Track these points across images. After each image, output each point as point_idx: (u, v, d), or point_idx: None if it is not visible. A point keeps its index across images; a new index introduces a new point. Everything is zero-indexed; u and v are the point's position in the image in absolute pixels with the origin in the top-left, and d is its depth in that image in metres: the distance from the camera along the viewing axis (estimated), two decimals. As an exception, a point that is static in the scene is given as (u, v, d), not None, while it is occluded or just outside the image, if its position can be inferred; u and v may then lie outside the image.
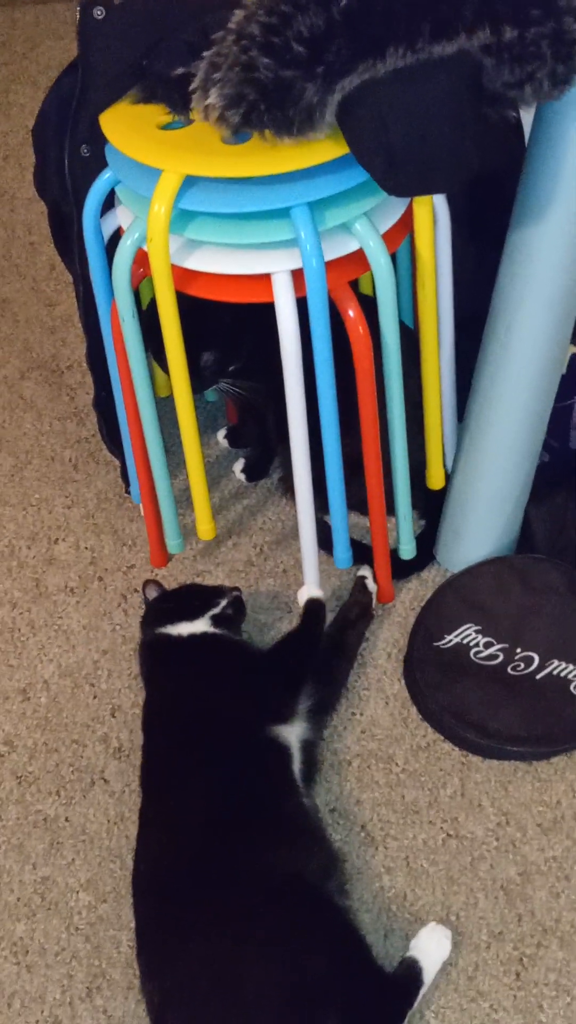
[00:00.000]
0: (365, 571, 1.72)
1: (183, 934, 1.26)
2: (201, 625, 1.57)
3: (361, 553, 1.74)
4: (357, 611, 1.69)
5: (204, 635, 1.56)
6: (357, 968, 1.27)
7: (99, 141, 1.50)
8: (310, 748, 1.51)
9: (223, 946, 1.24)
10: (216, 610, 1.59)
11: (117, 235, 1.55)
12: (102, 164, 1.51)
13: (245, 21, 1.29)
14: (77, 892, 1.46)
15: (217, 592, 1.63)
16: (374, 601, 1.71)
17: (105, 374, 1.72)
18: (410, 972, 1.31)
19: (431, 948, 1.34)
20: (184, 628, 1.57)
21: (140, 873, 1.36)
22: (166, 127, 1.43)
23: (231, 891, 1.27)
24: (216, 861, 1.30)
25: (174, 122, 1.44)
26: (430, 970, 1.32)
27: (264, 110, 1.31)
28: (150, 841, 1.38)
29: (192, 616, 1.58)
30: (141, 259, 1.48)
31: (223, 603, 1.60)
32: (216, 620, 1.58)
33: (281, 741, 1.45)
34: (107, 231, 1.57)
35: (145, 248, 1.43)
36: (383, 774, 1.55)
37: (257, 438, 1.96)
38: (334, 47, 1.26)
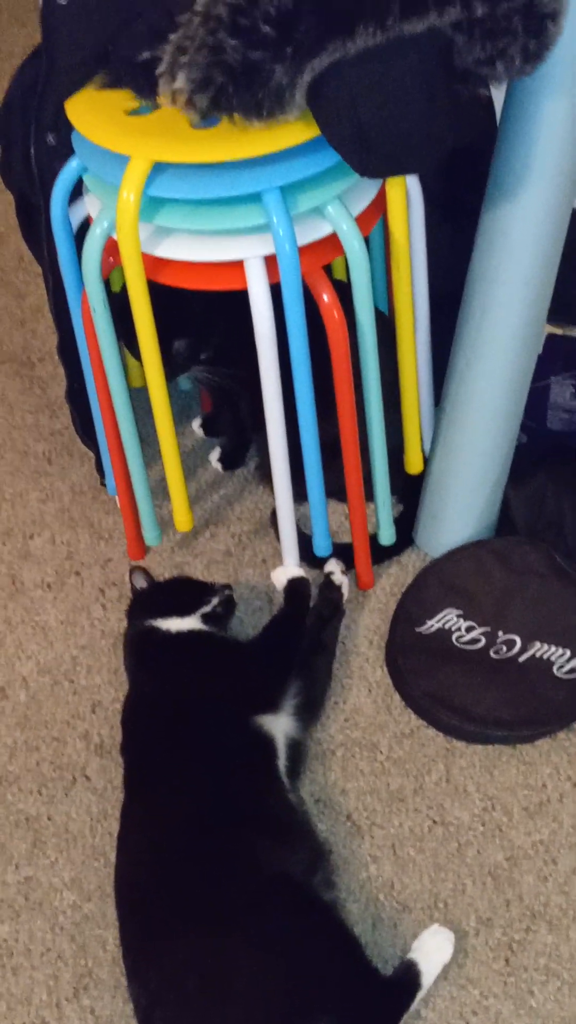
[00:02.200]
0: (332, 566, 1.71)
1: (168, 934, 1.24)
2: (190, 622, 1.55)
3: (337, 549, 1.72)
4: (329, 608, 1.67)
5: (192, 632, 1.54)
6: (348, 967, 1.25)
7: (65, 129, 1.47)
8: (296, 746, 1.50)
9: (209, 946, 1.22)
10: (207, 608, 1.57)
11: (86, 224, 1.53)
12: (69, 152, 1.48)
13: (212, 3, 1.26)
14: (61, 891, 1.44)
15: (209, 589, 1.61)
16: (344, 595, 1.69)
17: (77, 365, 1.70)
18: (408, 974, 1.29)
19: (432, 950, 1.32)
20: (173, 624, 1.55)
21: (123, 872, 1.35)
22: (133, 113, 1.41)
23: (216, 890, 1.26)
24: (201, 859, 1.29)
25: (141, 107, 1.41)
26: (429, 973, 1.30)
27: (233, 93, 1.29)
28: (133, 839, 1.36)
29: (183, 612, 1.56)
30: (111, 248, 1.46)
31: (215, 601, 1.58)
32: (206, 618, 1.57)
33: (266, 735, 1.44)
34: (76, 220, 1.54)
35: (114, 237, 1.40)
36: (367, 762, 1.54)
37: (232, 426, 1.94)
38: (303, 27, 1.24)
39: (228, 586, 1.62)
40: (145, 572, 1.64)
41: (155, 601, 1.59)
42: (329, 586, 1.68)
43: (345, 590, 1.69)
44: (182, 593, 1.61)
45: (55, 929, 1.41)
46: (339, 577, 1.69)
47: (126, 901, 1.33)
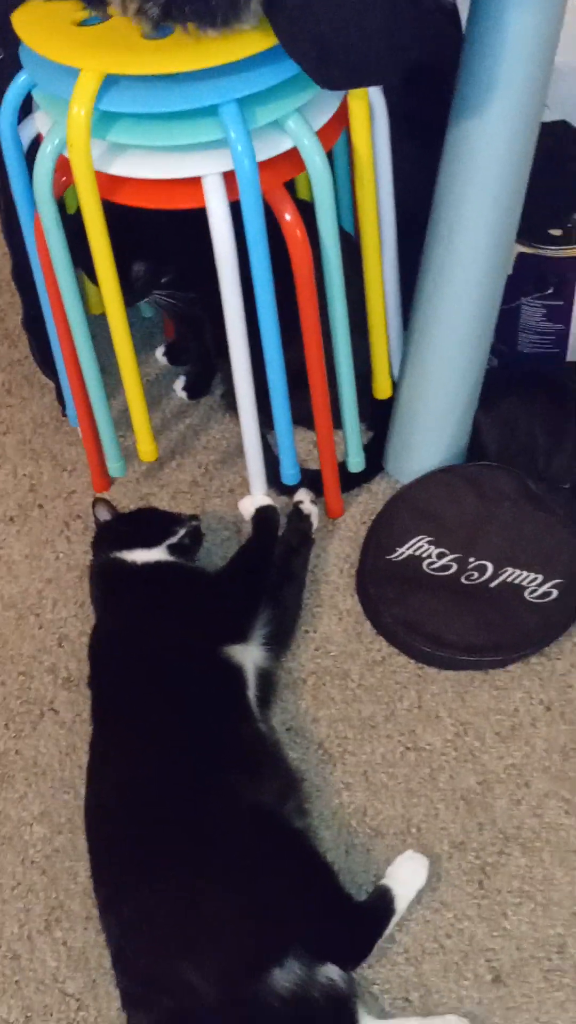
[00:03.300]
0: (301, 495, 1.68)
1: (139, 866, 1.23)
2: (157, 553, 1.53)
3: (306, 477, 1.69)
4: (298, 537, 1.64)
5: (159, 563, 1.52)
6: (321, 894, 1.25)
7: (13, 43, 1.41)
8: (266, 675, 1.48)
9: (180, 877, 1.21)
10: (174, 539, 1.54)
11: (37, 142, 1.47)
12: (17, 67, 1.42)
13: None
14: (31, 825, 1.43)
15: (176, 520, 1.58)
16: (314, 524, 1.67)
17: (33, 292, 1.65)
18: (382, 900, 1.29)
19: (406, 876, 1.32)
20: (139, 555, 1.52)
21: (92, 806, 1.33)
22: (83, 23, 1.35)
23: (186, 821, 1.25)
24: (170, 791, 1.28)
25: (91, 18, 1.35)
26: (403, 898, 1.30)
27: (185, 1, 1.23)
28: (101, 773, 1.35)
29: (149, 544, 1.53)
30: (63, 167, 1.40)
31: (181, 532, 1.55)
32: (172, 549, 1.54)
33: (236, 665, 1.42)
34: (26, 139, 1.49)
35: (66, 155, 1.35)
36: (339, 690, 1.53)
37: (197, 353, 1.89)
38: None
39: (195, 516, 1.59)
40: (108, 504, 1.61)
41: (120, 533, 1.56)
42: (298, 515, 1.66)
43: (315, 519, 1.67)
44: (148, 524, 1.58)
45: (25, 863, 1.40)
46: (308, 507, 1.67)
47: (96, 834, 1.32)
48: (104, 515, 1.60)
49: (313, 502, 1.68)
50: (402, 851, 1.35)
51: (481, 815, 1.40)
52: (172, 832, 1.25)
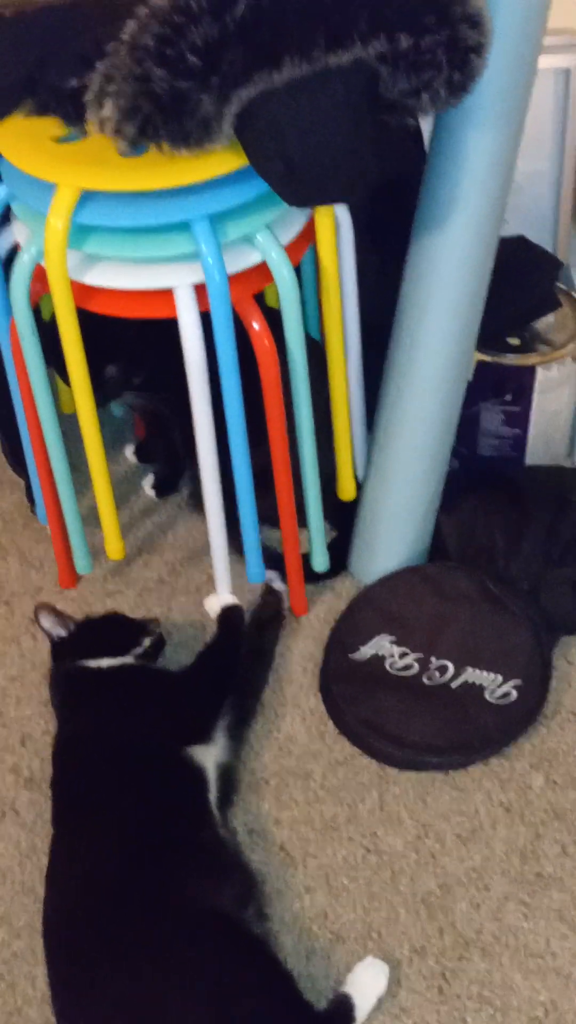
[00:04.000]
0: (271, 574, 1.71)
1: (96, 973, 1.22)
2: (121, 659, 1.54)
3: (274, 560, 1.72)
4: (268, 612, 1.68)
5: (122, 666, 1.53)
6: (281, 1003, 1.23)
7: (-8, 155, 1.46)
8: (227, 772, 1.49)
9: (138, 985, 1.20)
10: (139, 649, 1.56)
11: (14, 251, 1.52)
12: (-4, 178, 1.47)
13: (138, 32, 1.27)
14: (-10, 928, 1.42)
15: (141, 629, 1.59)
16: (284, 601, 1.69)
17: (5, 392, 1.68)
18: (342, 1008, 1.28)
19: (366, 983, 1.31)
20: (104, 661, 1.53)
21: (50, 911, 1.32)
22: (62, 140, 1.40)
23: (145, 928, 1.24)
24: (129, 897, 1.27)
25: (70, 135, 1.41)
26: (363, 1007, 1.28)
27: (160, 122, 1.29)
28: (60, 877, 1.34)
29: (115, 653, 1.55)
30: (40, 275, 1.45)
31: (147, 642, 1.57)
32: (137, 656, 1.56)
33: (198, 766, 1.42)
34: (3, 248, 1.53)
35: (43, 264, 1.39)
36: (301, 791, 1.53)
37: (165, 453, 1.93)
38: (229, 57, 1.24)
39: (156, 622, 1.61)
40: (52, 608, 1.58)
41: (86, 642, 1.56)
42: (269, 589, 1.69)
43: (284, 596, 1.70)
44: (114, 633, 1.59)
45: (-17, 968, 1.38)
46: (279, 584, 1.70)
47: (54, 940, 1.30)
48: (48, 622, 1.57)
49: (282, 580, 1.71)
50: (363, 957, 1.34)
51: (441, 919, 1.40)
52: (130, 939, 1.23)
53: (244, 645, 1.63)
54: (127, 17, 1.29)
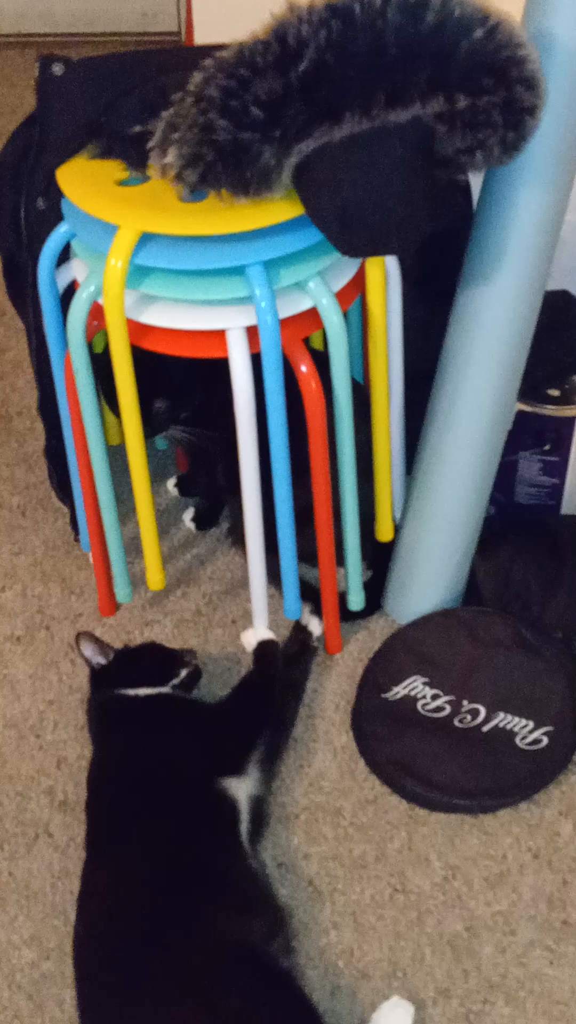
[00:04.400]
0: (303, 608, 1.74)
1: (124, 1001, 1.24)
2: (159, 689, 1.57)
3: (310, 593, 1.75)
4: (298, 647, 1.70)
5: (160, 695, 1.56)
6: None
7: (55, 194, 1.51)
8: (259, 804, 1.50)
9: (165, 1013, 1.21)
10: (176, 680, 1.59)
11: (72, 287, 1.56)
12: (58, 217, 1.52)
13: (204, 83, 1.31)
14: (20, 949, 1.44)
15: (178, 660, 1.62)
16: (314, 633, 1.72)
17: (56, 423, 1.72)
18: None
19: (391, 1023, 1.32)
20: (142, 691, 1.56)
21: (81, 936, 1.34)
22: (123, 183, 1.45)
23: (172, 958, 1.25)
24: (157, 926, 1.29)
25: (131, 178, 1.46)
26: None
27: (221, 170, 1.33)
28: (91, 903, 1.36)
29: (153, 684, 1.58)
30: (96, 312, 1.49)
31: (183, 673, 1.60)
32: (174, 686, 1.59)
33: (230, 798, 1.44)
34: (62, 283, 1.57)
35: (100, 302, 1.43)
36: (331, 827, 1.55)
37: (207, 487, 1.96)
38: (291, 111, 1.29)
39: (192, 652, 1.64)
40: (92, 637, 1.61)
41: (125, 671, 1.59)
42: (298, 627, 1.72)
43: (315, 629, 1.73)
44: (153, 664, 1.61)
45: (12, 987, 1.40)
46: (306, 617, 1.73)
47: (83, 965, 1.32)
48: (89, 650, 1.60)
49: (313, 613, 1.73)
50: (387, 995, 1.36)
51: (467, 962, 1.41)
52: (158, 968, 1.25)
53: (280, 680, 1.65)
54: (193, 68, 1.33)
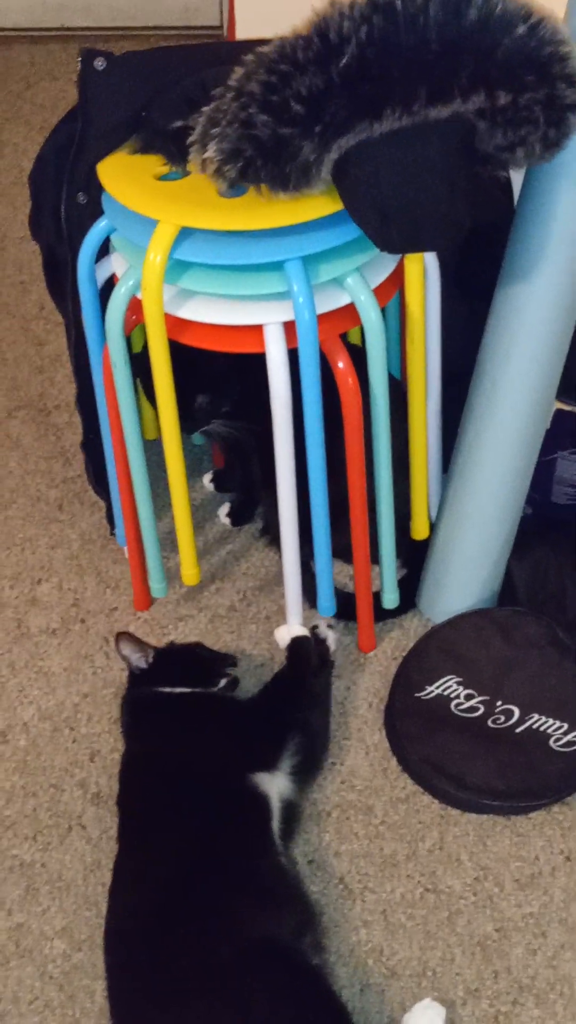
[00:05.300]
0: (317, 620, 1.73)
1: (155, 993, 1.24)
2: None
3: (341, 601, 1.74)
4: (315, 660, 1.68)
5: (195, 692, 1.57)
6: None
7: (96, 188, 1.51)
8: (291, 808, 1.50)
9: (196, 1007, 1.22)
10: (215, 688, 1.59)
11: (111, 281, 1.57)
12: (98, 211, 1.52)
13: (245, 79, 1.31)
14: (52, 939, 1.45)
15: (219, 670, 1.61)
16: (331, 647, 1.71)
17: (94, 417, 1.73)
18: None
19: None
20: (179, 689, 1.57)
21: (112, 928, 1.35)
22: (163, 178, 1.45)
23: (204, 950, 1.26)
24: (189, 918, 1.29)
25: (171, 173, 1.46)
26: None
27: (261, 166, 1.33)
28: (123, 895, 1.37)
29: (194, 686, 1.58)
30: (134, 306, 1.50)
31: (223, 683, 1.60)
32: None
33: (262, 794, 1.45)
34: (101, 277, 1.58)
35: (139, 296, 1.44)
36: (362, 826, 1.55)
37: (242, 483, 1.96)
38: (332, 107, 1.28)
39: (233, 661, 1.64)
40: (133, 638, 1.60)
41: (167, 672, 1.59)
42: (315, 640, 1.71)
43: (331, 642, 1.72)
44: (195, 667, 1.61)
45: (44, 977, 1.41)
46: (323, 630, 1.72)
47: (114, 957, 1.33)
48: (127, 649, 1.59)
49: (329, 627, 1.72)
50: (417, 995, 1.35)
51: (497, 963, 1.40)
52: (189, 961, 1.26)
53: (312, 676, 1.65)
54: (234, 63, 1.33)
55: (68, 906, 1.48)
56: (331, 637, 1.72)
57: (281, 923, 1.32)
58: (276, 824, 1.44)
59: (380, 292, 1.49)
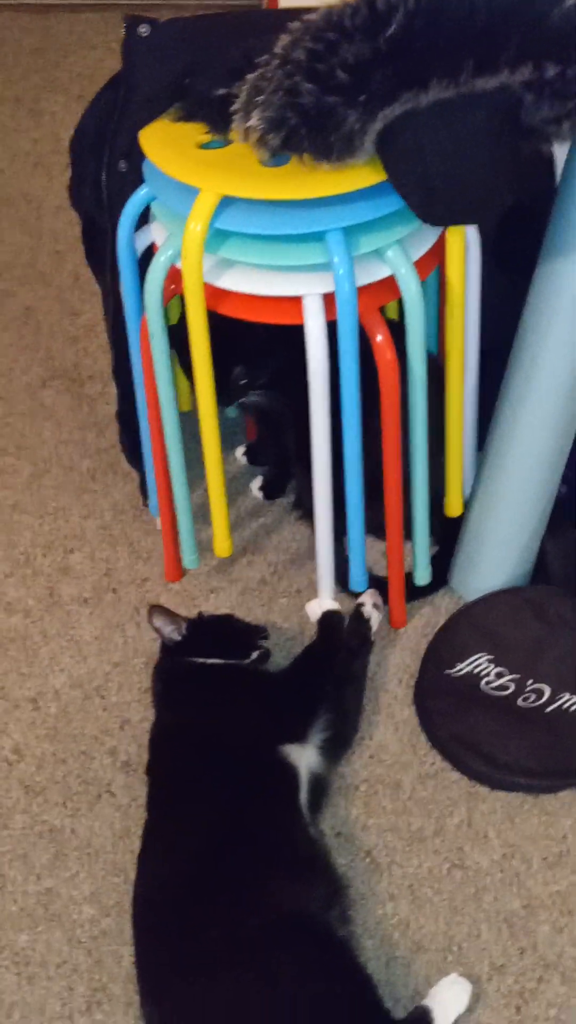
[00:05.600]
0: (364, 597, 1.72)
1: (182, 960, 1.25)
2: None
3: (373, 582, 1.73)
4: (358, 639, 1.68)
5: (227, 663, 1.57)
6: (361, 1006, 1.25)
7: (137, 157, 1.51)
8: (319, 781, 1.50)
9: (223, 975, 1.23)
10: (247, 661, 1.59)
11: (150, 251, 1.56)
12: (139, 180, 1.52)
13: (291, 46, 1.30)
14: (80, 905, 1.46)
15: (252, 642, 1.61)
16: (373, 628, 1.71)
17: (130, 387, 1.73)
18: (422, 1021, 1.29)
19: (449, 999, 1.31)
20: (212, 659, 1.57)
21: (141, 895, 1.36)
22: (205, 146, 1.44)
23: (232, 919, 1.27)
24: (218, 886, 1.30)
25: (213, 141, 1.45)
26: (443, 1022, 1.30)
27: (304, 135, 1.32)
28: (152, 863, 1.38)
29: (228, 658, 1.58)
30: (173, 276, 1.49)
31: (255, 655, 1.60)
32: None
33: (291, 766, 1.45)
34: (140, 246, 1.57)
35: (178, 265, 1.43)
36: (390, 800, 1.55)
37: (275, 456, 1.96)
38: (378, 76, 1.27)
39: (265, 634, 1.64)
40: (166, 611, 1.60)
41: (200, 643, 1.59)
42: (359, 618, 1.70)
43: (374, 623, 1.71)
44: (229, 640, 1.61)
45: (72, 942, 1.43)
46: (369, 610, 1.71)
47: (143, 924, 1.34)
48: (160, 622, 1.60)
49: (375, 606, 1.72)
50: (443, 969, 1.36)
51: (523, 939, 1.41)
52: (217, 931, 1.26)
53: (343, 649, 1.65)
54: (279, 31, 1.32)
55: (97, 872, 1.49)
56: (375, 617, 1.71)
57: (309, 895, 1.33)
58: (304, 796, 1.45)
59: (420, 265, 1.47)
